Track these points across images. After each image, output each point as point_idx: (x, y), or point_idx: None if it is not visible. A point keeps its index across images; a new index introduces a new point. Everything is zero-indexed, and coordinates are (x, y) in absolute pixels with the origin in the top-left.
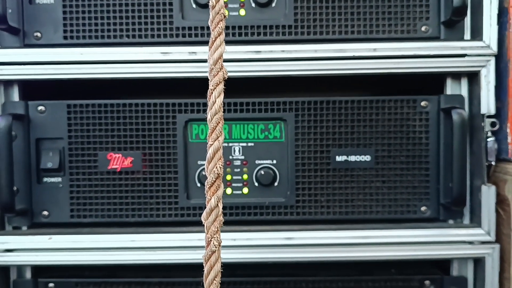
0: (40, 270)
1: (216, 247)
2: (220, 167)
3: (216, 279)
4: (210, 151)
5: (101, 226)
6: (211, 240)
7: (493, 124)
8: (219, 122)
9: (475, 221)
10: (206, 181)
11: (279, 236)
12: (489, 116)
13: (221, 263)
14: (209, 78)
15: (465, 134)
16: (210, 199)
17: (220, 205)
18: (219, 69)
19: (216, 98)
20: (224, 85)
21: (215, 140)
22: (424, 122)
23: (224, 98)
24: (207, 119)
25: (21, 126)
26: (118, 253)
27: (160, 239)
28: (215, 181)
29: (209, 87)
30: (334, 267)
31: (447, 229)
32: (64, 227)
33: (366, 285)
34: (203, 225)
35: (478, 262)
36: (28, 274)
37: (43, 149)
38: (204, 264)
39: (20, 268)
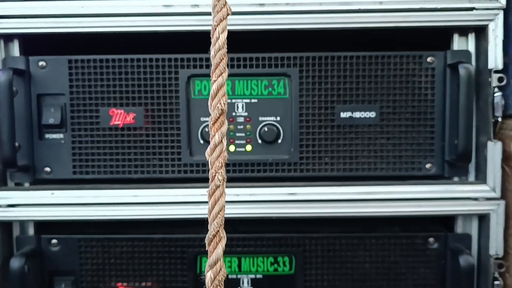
0: (43, 227)
1: (220, 182)
2: (224, 103)
3: (220, 213)
4: (214, 87)
5: (103, 183)
6: (215, 175)
7: (500, 79)
8: (222, 58)
9: (480, 177)
10: (210, 117)
11: (282, 191)
12: (497, 71)
13: (224, 218)
14: (213, 14)
15: (471, 89)
16: (214, 135)
17: (224, 142)
18: (222, 5)
19: (219, 34)
20: (227, 40)
21: (219, 76)
22: (430, 78)
23: (227, 53)
24: (211, 55)
25: (22, 81)
26: (120, 208)
27: (163, 194)
28: (219, 117)
29: (213, 24)
30: (337, 223)
31: (452, 185)
32: (67, 183)
33: (369, 242)
34: (206, 180)
35: (483, 219)
36: (31, 230)
37: (45, 105)
38: (208, 199)
39: (22, 223)
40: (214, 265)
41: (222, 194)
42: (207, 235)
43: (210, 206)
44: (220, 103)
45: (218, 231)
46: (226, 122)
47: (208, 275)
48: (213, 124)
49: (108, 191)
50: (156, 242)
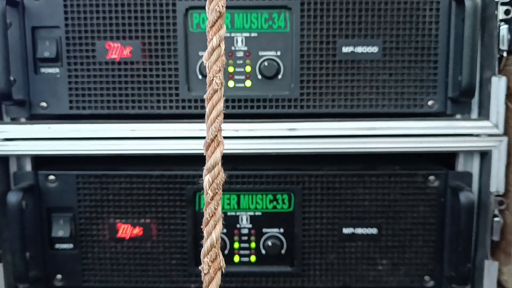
0: (40, 163)
1: (218, 86)
2: (222, 6)
3: (218, 118)
4: None
5: (100, 118)
6: (213, 79)
7: (507, 12)
8: None
9: (483, 114)
10: (207, 21)
11: (281, 127)
12: (503, 3)
13: (222, 154)
14: None
15: (477, 23)
16: (212, 39)
17: (222, 46)
18: None
19: None
20: None
21: None
22: (435, 12)
23: None
24: None
25: (16, 13)
26: (118, 143)
27: (161, 128)
28: (217, 20)
29: None
30: (337, 161)
31: (454, 121)
32: (63, 119)
33: (369, 180)
34: (204, 115)
35: (484, 156)
36: (28, 166)
37: (39, 38)
38: (206, 104)
39: (19, 158)
40: (212, 169)
41: (220, 99)
42: (204, 140)
43: (208, 111)
44: (218, 5)
45: (216, 135)
46: (224, 26)
47: (206, 179)
48: (211, 27)
49: (106, 125)
50: (154, 178)
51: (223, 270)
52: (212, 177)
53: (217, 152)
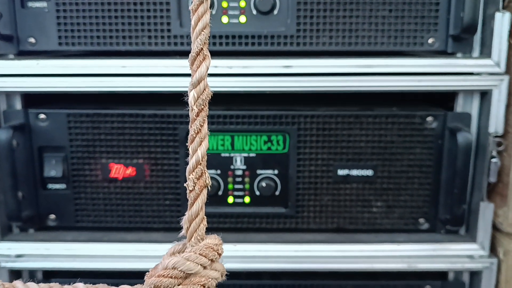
0: (31, 101)
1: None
2: None
3: (204, 30)
4: None
5: (90, 55)
6: None
7: None
8: None
9: (485, 53)
10: None
11: (277, 64)
12: None
13: (213, 91)
14: None
15: None
16: None
17: None
18: None
19: None
20: None
21: None
22: None
23: None
24: None
25: None
26: (108, 79)
27: (153, 65)
28: None
29: None
30: (333, 102)
31: (454, 59)
32: (53, 55)
33: (366, 121)
34: None
35: (484, 96)
36: (18, 104)
37: None
38: (191, 16)
39: (9, 95)
40: (198, 84)
41: (207, 10)
42: (190, 54)
43: (193, 23)
44: None
45: (202, 49)
46: None
47: (191, 95)
48: None
49: (96, 61)
50: (147, 118)
51: (209, 188)
52: (197, 93)
53: (203, 66)
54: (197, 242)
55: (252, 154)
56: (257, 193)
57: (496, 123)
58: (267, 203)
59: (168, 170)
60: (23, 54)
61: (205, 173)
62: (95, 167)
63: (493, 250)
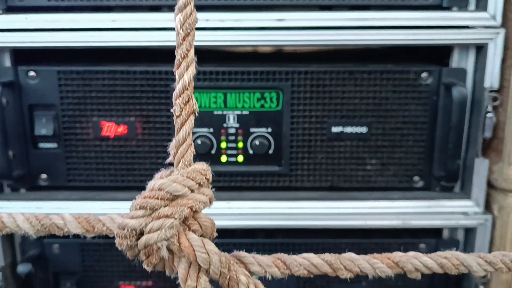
0: (20, 59)
1: None
2: None
3: None
4: None
5: (79, 10)
6: None
7: None
8: None
9: (481, 6)
10: None
11: (270, 17)
12: None
13: (205, 46)
14: None
15: None
16: None
17: None
18: None
19: None
20: None
21: None
22: None
23: None
24: None
25: None
26: (98, 34)
27: (143, 19)
28: None
29: None
30: (327, 58)
31: (449, 12)
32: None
33: (360, 77)
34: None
35: (480, 50)
36: (7, 62)
37: None
38: None
39: None
40: (184, 8)
41: None
42: None
43: None
44: None
45: None
46: None
47: (178, 19)
48: None
49: (85, 15)
50: (138, 74)
51: (196, 114)
52: (184, 17)
53: None
54: (184, 167)
55: (245, 112)
56: (251, 151)
57: (491, 78)
58: (261, 161)
59: (161, 128)
60: (11, 10)
61: (191, 98)
62: (86, 125)
63: (487, 208)
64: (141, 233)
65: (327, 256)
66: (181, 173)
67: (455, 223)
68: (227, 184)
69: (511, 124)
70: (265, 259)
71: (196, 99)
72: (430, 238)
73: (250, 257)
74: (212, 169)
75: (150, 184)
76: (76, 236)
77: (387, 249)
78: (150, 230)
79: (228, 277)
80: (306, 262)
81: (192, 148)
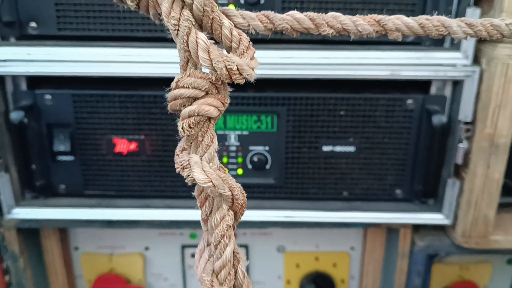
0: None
1: None
2: None
3: None
4: None
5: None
6: None
7: None
8: None
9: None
10: None
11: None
12: None
13: None
14: None
15: None
16: None
17: None
18: None
19: None
20: None
21: None
22: None
23: None
24: None
25: None
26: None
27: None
28: None
29: None
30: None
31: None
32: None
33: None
34: None
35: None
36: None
37: None
38: None
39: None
40: None
41: None
42: None
43: None
44: None
45: None
46: None
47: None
48: None
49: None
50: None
51: None
52: None
53: None
54: None
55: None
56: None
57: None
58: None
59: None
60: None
61: None
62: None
63: (476, 62)
64: None
65: (310, 13)
66: None
67: (443, 75)
68: None
69: None
70: (249, 13)
71: None
72: (418, 94)
73: (234, 11)
74: None
75: None
76: (68, 86)
77: (375, 104)
78: None
79: (211, 17)
80: (289, 18)
81: None
